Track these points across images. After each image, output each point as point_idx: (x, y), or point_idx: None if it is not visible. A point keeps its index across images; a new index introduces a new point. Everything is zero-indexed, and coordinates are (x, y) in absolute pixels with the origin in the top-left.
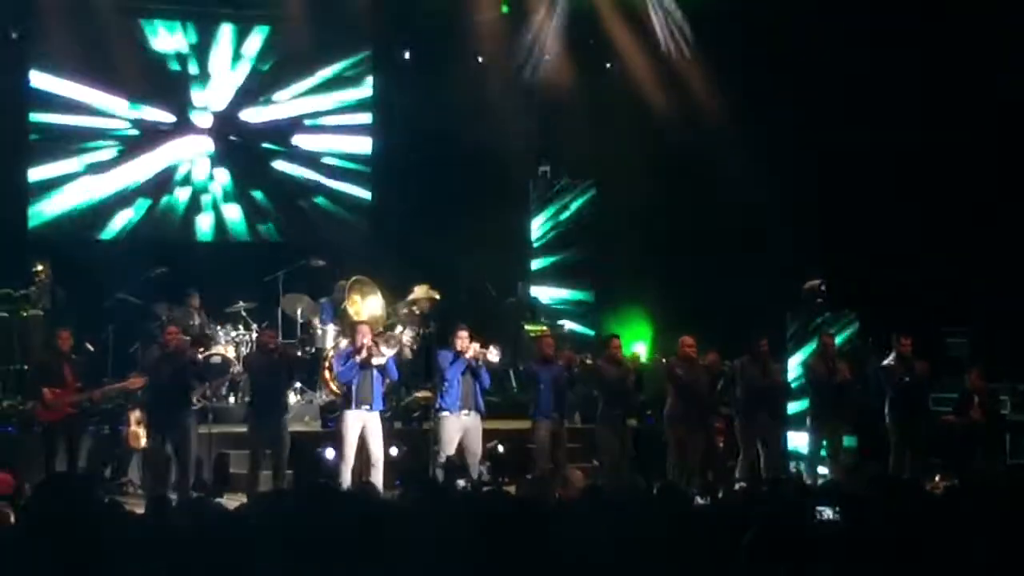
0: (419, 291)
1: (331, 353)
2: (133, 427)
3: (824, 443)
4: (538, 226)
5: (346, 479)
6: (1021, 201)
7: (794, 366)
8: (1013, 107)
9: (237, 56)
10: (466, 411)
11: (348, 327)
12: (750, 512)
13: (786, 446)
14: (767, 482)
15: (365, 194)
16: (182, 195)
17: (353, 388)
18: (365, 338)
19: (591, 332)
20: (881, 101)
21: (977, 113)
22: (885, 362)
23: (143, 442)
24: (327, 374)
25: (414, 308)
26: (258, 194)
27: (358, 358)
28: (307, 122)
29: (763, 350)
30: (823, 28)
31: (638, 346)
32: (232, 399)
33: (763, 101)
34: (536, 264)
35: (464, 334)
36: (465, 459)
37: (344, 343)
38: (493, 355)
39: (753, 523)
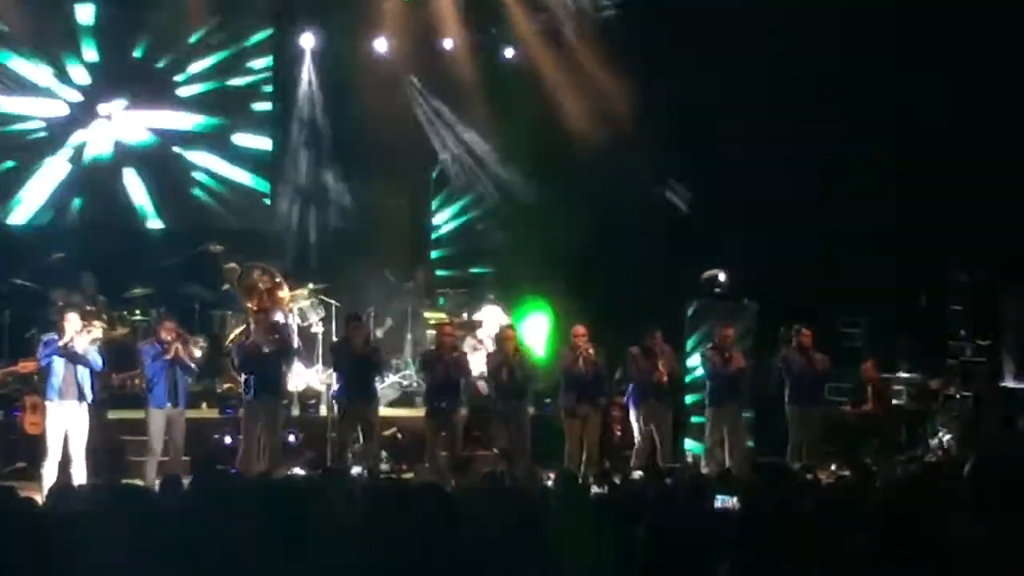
0: (303, 291)
1: (232, 340)
2: (29, 413)
3: (723, 432)
4: (438, 214)
5: (245, 466)
6: (919, 193)
7: (692, 356)
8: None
9: (133, 43)
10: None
11: (252, 316)
12: (646, 501)
13: (682, 435)
14: (663, 471)
15: (264, 180)
16: (81, 180)
17: (253, 375)
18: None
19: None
20: (784, 92)
21: (875, 111)
22: (784, 352)
23: (39, 429)
24: (228, 361)
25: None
26: (157, 180)
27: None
28: (204, 108)
29: (655, 342)
30: (729, 19)
31: (538, 335)
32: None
33: (667, 91)
34: (437, 252)
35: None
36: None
37: (236, 332)
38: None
39: (648, 512)
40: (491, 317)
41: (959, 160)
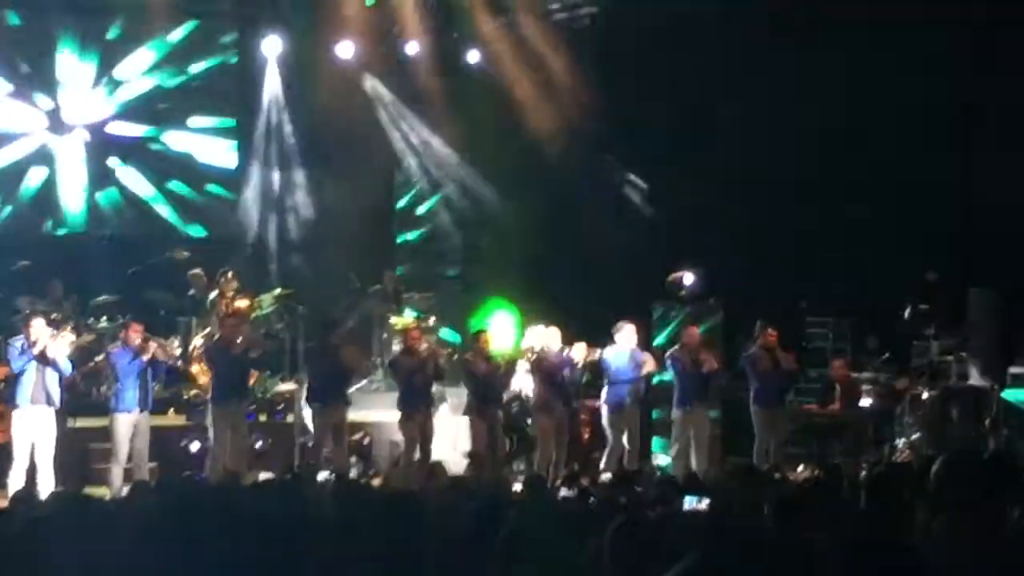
0: (267, 297)
1: (198, 346)
2: None
3: (690, 433)
4: (404, 218)
5: (214, 471)
6: (885, 194)
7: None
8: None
9: (99, 50)
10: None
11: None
12: (615, 503)
13: (651, 436)
14: (632, 474)
15: (230, 187)
16: (45, 188)
17: (218, 380)
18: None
19: (456, 336)
20: (755, 92)
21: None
22: (750, 352)
23: (5, 437)
24: (193, 367)
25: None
26: (121, 187)
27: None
28: (170, 114)
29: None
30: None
31: (506, 339)
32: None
33: (633, 92)
34: (403, 256)
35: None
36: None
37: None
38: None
39: (617, 515)
40: (539, 339)
41: (926, 162)
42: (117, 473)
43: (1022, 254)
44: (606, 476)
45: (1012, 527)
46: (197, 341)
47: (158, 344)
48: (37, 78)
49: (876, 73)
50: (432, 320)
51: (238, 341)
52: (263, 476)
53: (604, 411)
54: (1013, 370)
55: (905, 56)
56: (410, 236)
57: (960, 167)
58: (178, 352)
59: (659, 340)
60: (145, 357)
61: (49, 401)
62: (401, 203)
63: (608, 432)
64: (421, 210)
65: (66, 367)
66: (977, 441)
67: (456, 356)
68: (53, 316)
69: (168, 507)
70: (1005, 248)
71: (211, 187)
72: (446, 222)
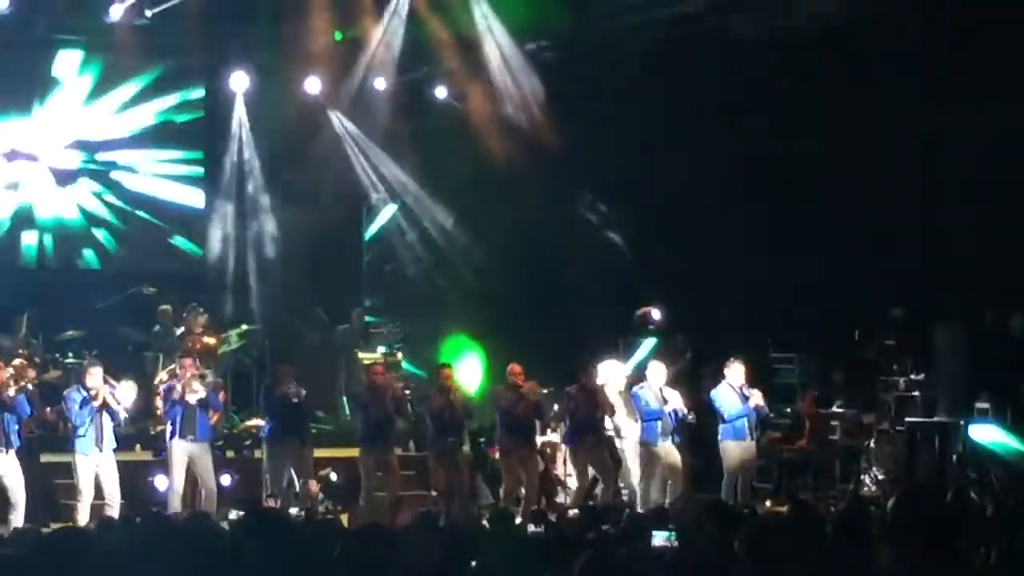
0: (234, 333)
1: (162, 382)
2: None
3: (658, 469)
4: (372, 254)
5: (175, 507)
6: (851, 229)
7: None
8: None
9: (67, 83)
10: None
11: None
12: (583, 539)
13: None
14: (600, 509)
15: (198, 221)
16: (10, 220)
17: (178, 418)
18: (186, 373)
19: (420, 372)
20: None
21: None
22: (717, 389)
23: None
24: (158, 403)
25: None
26: (87, 221)
27: (175, 395)
28: (139, 149)
29: (592, 379)
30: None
31: (471, 375)
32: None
33: (596, 127)
34: (371, 292)
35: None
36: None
37: (164, 375)
38: (125, 393)
39: (585, 549)
40: (612, 372)
41: (892, 199)
42: (84, 509)
43: (987, 290)
44: (572, 512)
45: (966, 563)
46: (163, 376)
47: (107, 393)
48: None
49: (841, 107)
50: (400, 355)
51: (200, 382)
52: (232, 514)
53: (568, 447)
54: (979, 405)
55: (866, 90)
56: (378, 270)
57: (926, 204)
58: (132, 396)
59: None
60: (96, 404)
61: (8, 444)
62: (368, 236)
63: (573, 468)
64: (389, 244)
65: (24, 409)
66: (943, 476)
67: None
68: (20, 352)
69: (133, 543)
70: (970, 284)
71: (178, 222)
72: (413, 256)
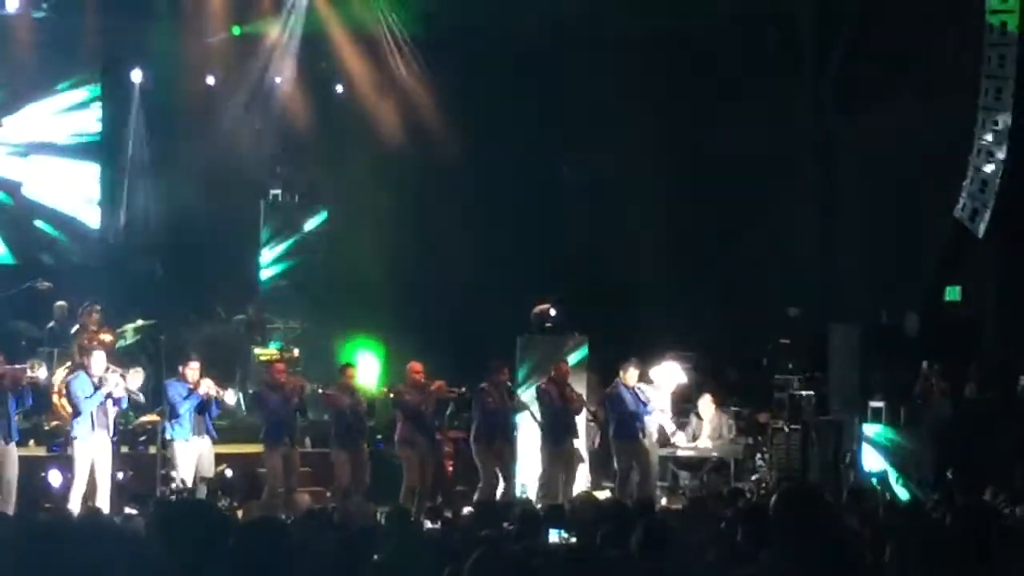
0: (130, 328)
1: (61, 378)
2: None
3: (559, 467)
4: (269, 249)
5: (74, 503)
6: (741, 231)
7: (526, 391)
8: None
9: None
10: (198, 437)
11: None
12: (477, 536)
13: (514, 471)
14: (497, 506)
15: (94, 216)
16: None
17: (90, 414)
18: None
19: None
20: (615, 132)
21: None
22: (611, 388)
23: None
24: (56, 399)
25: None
26: None
27: (104, 390)
28: (33, 143)
29: (503, 377)
30: (552, 57)
31: (370, 373)
32: None
33: (495, 127)
34: (268, 287)
35: (196, 366)
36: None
37: (62, 372)
38: (230, 397)
39: (479, 547)
40: (669, 374)
41: (788, 200)
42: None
43: (879, 291)
44: (467, 509)
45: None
46: (60, 373)
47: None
48: None
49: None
50: (296, 352)
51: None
52: (127, 510)
53: (475, 444)
54: (873, 404)
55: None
56: (276, 265)
57: (821, 206)
58: (41, 375)
59: (522, 373)
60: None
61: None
62: (266, 232)
63: (479, 465)
64: (286, 239)
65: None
66: (836, 474)
67: (320, 389)
68: None
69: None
70: (863, 285)
71: (75, 217)
72: (311, 250)
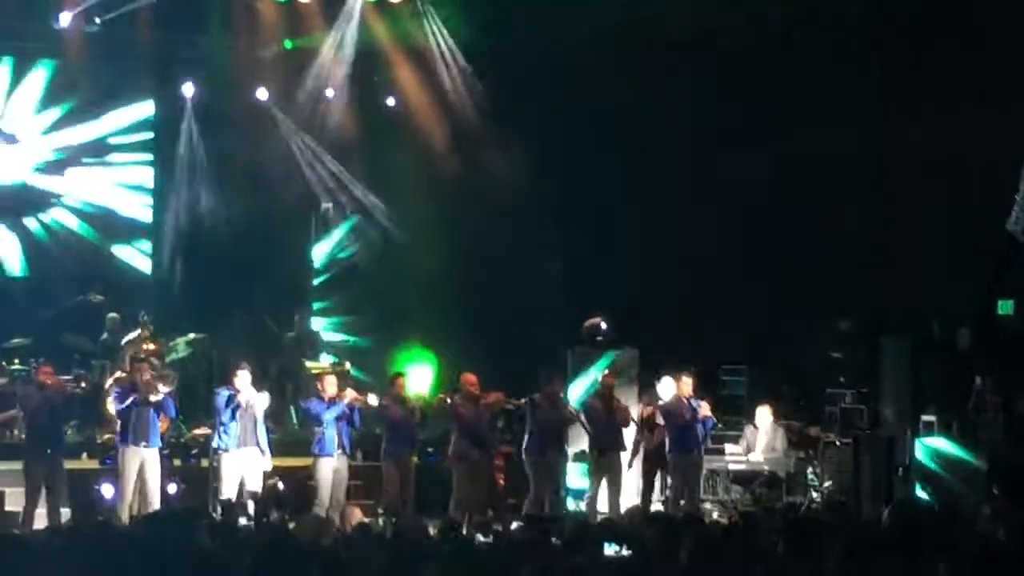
0: (181, 341)
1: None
2: None
3: (604, 480)
4: (320, 263)
5: (124, 516)
6: (801, 242)
7: (574, 404)
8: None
9: (12, 89)
10: (245, 448)
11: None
12: (529, 550)
13: (565, 484)
14: (548, 520)
15: (146, 229)
16: None
17: (130, 425)
18: (145, 375)
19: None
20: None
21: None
22: (664, 401)
23: None
24: (106, 411)
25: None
26: (33, 228)
27: (136, 395)
28: (85, 154)
29: (555, 389)
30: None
31: (422, 383)
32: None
33: (546, 139)
34: (319, 300)
35: (244, 374)
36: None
37: (111, 380)
38: (373, 400)
39: (531, 561)
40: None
41: (840, 212)
42: (30, 516)
43: (931, 304)
44: (517, 523)
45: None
46: (110, 382)
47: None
48: None
49: (792, 125)
50: (348, 364)
51: (145, 383)
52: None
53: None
54: (925, 418)
55: (819, 109)
56: (326, 277)
57: (875, 217)
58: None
59: (573, 385)
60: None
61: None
62: (318, 244)
63: (531, 479)
64: (338, 251)
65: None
66: (889, 489)
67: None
68: None
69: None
70: (915, 298)
71: (128, 231)
72: (362, 263)
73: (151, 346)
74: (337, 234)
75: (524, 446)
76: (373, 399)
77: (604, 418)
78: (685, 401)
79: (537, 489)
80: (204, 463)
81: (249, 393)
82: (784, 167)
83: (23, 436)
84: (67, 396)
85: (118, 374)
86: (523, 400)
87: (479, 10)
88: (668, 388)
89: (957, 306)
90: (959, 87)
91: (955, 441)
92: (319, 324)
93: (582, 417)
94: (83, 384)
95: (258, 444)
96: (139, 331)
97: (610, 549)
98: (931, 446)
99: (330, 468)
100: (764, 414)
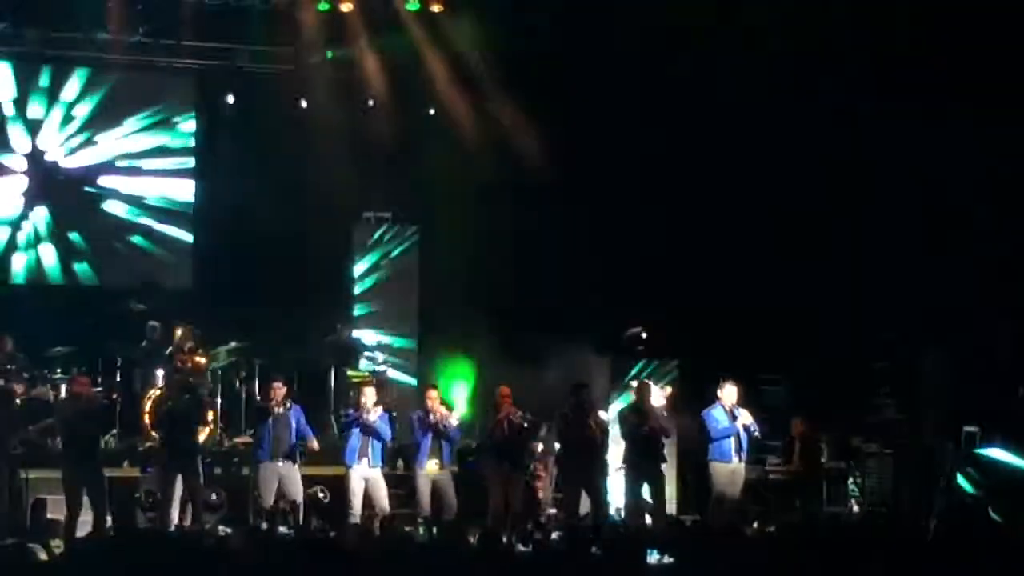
0: (223, 351)
1: (153, 398)
2: None
3: (643, 490)
4: (361, 271)
5: (163, 522)
6: (841, 252)
7: (613, 414)
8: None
9: (55, 97)
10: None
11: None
12: (570, 560)
13: (606, 493)
14: (588, 529)
15: (186, 237)
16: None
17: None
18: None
19: (413, 381)
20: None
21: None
22: (707, 411)
23: None
24: (146, 419)
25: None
26: (75, 236)
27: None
28: (127, 164)
29: (587, 399)
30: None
31: (460, 392)
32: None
33: (588, 147)
34: (359, 309)
35: (280, 386)
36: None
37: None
38: (455, 419)
39: (572, 571)
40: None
41: (882, 220)
42: (72, 524)
43: (974, 315)
44: (558, 533)
45: None
46: (153, 393)
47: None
48: None
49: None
50: (388, 372)
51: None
52: (220, 530)
53: (558, 467)
54: (967, 429)
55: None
56: (366, 287)
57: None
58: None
59: (613, 396)
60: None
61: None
62: (358, 254)
63: (564, 488)
64: (377, 261)
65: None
66: (930, 500)
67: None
68: (7, 368)
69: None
70: (956, 309)
71: (170, 239)
72: (403, 273)
73: (198, 357)
74: (378, 242)
75: (556, 458)
76: (455, 419)
77: (642, 429)
78: (727, 409)
79: (569, 501)
80: (246, 471)
81: (441, 414)
82: (825, 176)
83: (60, 444)
84: (98, 406)
85: (162, 385)
86: (530, 416)
87: (519, 18)
88: (730, 395)
89: (999, 317)
90: (1009, 99)
91: (1015, 451)
92: (359, 332)
93: (612, 428)
94: (114, 395)
95: (291, 455)
96: (189, 343)
97: (652, 558)
98: (988, 455)
99: (358, 477)
100: (800, 425)
